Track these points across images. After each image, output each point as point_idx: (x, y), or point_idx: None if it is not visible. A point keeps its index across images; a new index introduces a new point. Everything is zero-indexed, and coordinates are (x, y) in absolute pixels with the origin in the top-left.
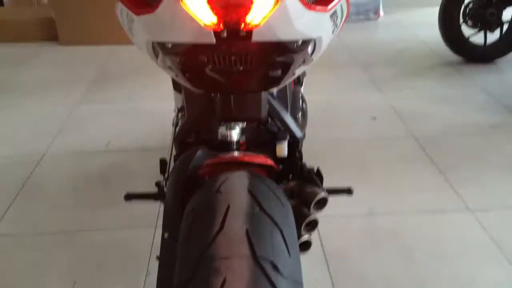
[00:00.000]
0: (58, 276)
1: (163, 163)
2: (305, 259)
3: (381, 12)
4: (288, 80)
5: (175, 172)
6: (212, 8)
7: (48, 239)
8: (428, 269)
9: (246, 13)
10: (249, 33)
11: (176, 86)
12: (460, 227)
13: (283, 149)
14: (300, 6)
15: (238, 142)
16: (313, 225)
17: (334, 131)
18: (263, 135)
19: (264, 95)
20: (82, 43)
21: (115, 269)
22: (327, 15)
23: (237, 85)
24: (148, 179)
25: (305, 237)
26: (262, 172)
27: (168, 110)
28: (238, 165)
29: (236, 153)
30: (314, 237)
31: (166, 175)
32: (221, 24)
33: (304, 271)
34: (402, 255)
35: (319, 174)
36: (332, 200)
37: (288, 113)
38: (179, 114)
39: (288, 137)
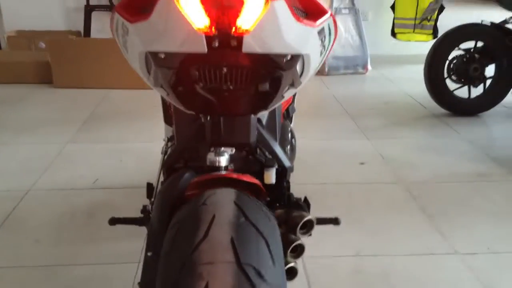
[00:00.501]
0: None
1: (150, 187)
2: None
3: (369, 67)
4: (277, 103)
5: (161, 193)
6: (205, 9)
7: (29, 272)
8: None
9: (237, 16)
10: (240, 41)
11: (167, 119)
12: (448, 269)
13: (271, 176)
14: (289, 14)
15: (226, 167)
16: (299, 251)
17: (324, 175)
18: (251, 164)
19: (253, 120)
20: (76, 86)
21: None
22: (315, 31)
23: (227, 106)
24: (133, 214)
25: (291, 264)
26: (251, 193)
27: (156, 151)
28: (225, 183)
29: (223, 172)
30: (300, 276)
31: (153, 199)
32: (213, 28)
33: None
34: None
35: (306, 201)
36: (319, 240)
37: (277, 143)
38: (169, 143)
39: (276, 165)
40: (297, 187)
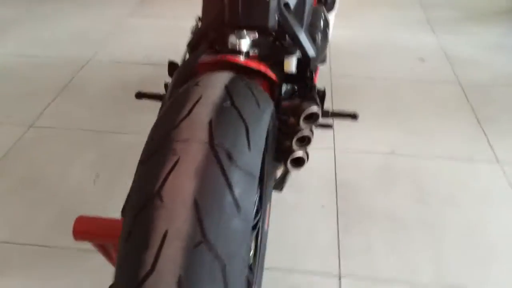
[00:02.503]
0: (84, 167)
1: (171, 65)
2: (314, 185)
3: None
4: None
5: (177, 71)
6: None
7: (81, 134)
8: (439, 214)
9: None
10: None
11: None
12: (484, 178)
13: (290, 64)
14: None
15: (247, 53)
16: (307, 141)
17: (376, 67)
18: (275, 51)
19: (273, 2)
20: None
21: (135, 167)
22: None
23: None
24: None
25: (298, 152)
26: (263, 83)
27: None
28: (235, 68)
29: (234, 56)
30: (328, 166)
31: None
32: None
33: (311, 196)
34: (415, 197)
35: (322, 93)
36: (355, 134)
37: (303, 29)
38: (198, 23)
39: (297, 53)
40: (341, 80)
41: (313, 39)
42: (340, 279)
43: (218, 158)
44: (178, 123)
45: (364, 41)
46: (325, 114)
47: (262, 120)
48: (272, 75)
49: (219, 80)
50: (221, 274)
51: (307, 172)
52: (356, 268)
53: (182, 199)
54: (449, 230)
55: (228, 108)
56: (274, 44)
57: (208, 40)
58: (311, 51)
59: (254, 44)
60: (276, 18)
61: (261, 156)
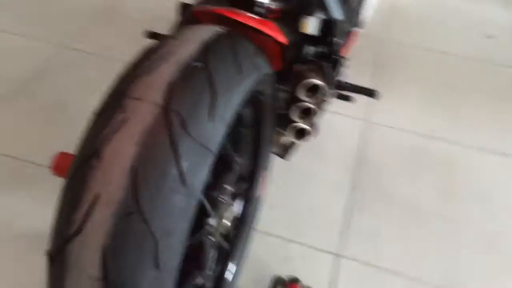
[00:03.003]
0: None
1: (182, 6)
2: (335, 155)
3: None
4: None
5: (184, 15)
6: None
7: (112, 64)
8: (464, 211)
9: None
10: None
11: None
12: None
13: (306, 24)
14: None
15: (266, 7)
16: (309, 113)
17: (435, 38)
18: (297, 8)
19: None
20: None
21: None
22: None
23: None
24: None
25: (299, 124)
26: (269, 44)
27: None
28: (239, 26)
29: (228, 10)
30: (352, 138)
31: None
32: None
33: (329, 167)
34: (442, 188)
35: (336, 62)
36: (393, 108)
37: None
38: None
39: (318, 14)
40: (391, 47)
41: (348, 3)
42: (338, 258)
43: (169, 123)
44: (136, 79)
45: (424, 6)
46: (339, 86)
47: (239, 88)
48: (278, 35)
49: (200, 36)
50: (152, 251)
51: (329, 139)
52: (359, 252)
53: (121, 163)
54: (470, 230)
55: (198, 69)
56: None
57: None
58: (337, 13)
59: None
60: None
61: (224, 128)
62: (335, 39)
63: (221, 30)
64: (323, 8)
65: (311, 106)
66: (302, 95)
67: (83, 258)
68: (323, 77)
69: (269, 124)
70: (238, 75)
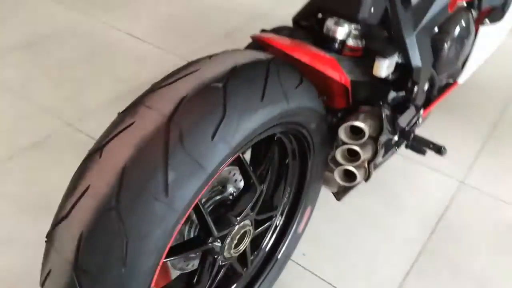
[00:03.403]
0: None
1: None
2: (412, 212)
3: None
4: None
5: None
6: None
7: None
8: None
9: None
10: None
11: None
12: None
13: (377, 66)
14: None
15: (342, 42)
16: (356, 156)
17: None
18: (374, 47)
19: None
20: None
21: None
22: None
23: None
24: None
25: (346, 165)
26: (332, 81)
27: None
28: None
29: (303, 45)
30: (439, 198)
31: None
32: None
33: (402, 223)
34: None
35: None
36: (497, 175)
37: (416, 31)
38: None
39: (393, 57)
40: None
41: (436, 48)
42: None
43: (167, 133)
44: (156, 90)
45: None
46: (404, 135)
47: (254, 114)
48: (336, 74)
49: (234, 59)
50: (121, 249)
51: (413, 192)
52: None
53: (115, 162)
54: None
55: (215, 89)
56: (373, 39)
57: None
58: (415, 60)
59: (361, 36)
60: (372, 9)
61: (228, 151)
62: (413, 87)
63: (262, 56)
64: (403, 52)
65: (355, 148)
66: (343, 136)
67: (64, 242)
68: (377, 122)
69: (317, 160)
70: (257, 102)
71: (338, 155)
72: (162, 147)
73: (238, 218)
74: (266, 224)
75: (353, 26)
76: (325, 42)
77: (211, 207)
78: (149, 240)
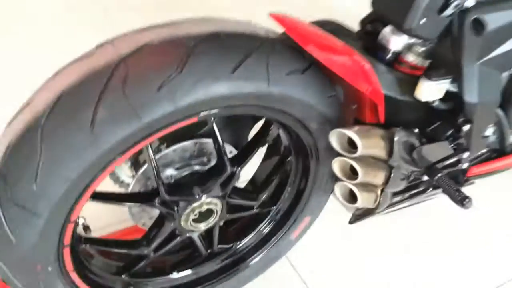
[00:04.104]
0: None
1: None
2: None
3: None
4: None
5: None
6: None
7: None
8: None
9: None
10: None
11: None
12: None
13: (420, 89)
14: None
15: (394, 53)
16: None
17: None
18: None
19: (421, 1)
20: None
21: None
22: None
23: None
24: None
25: (345, 181)
26: (361, 95)
27: None
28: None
29: (327, 40)
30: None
31: None
32: None
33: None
34: None
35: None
36: None
37: (479, 61)
38: None
39: (438, 80)
40: None
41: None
42: None
43: (112, 73)
44: (133, 34)
45: None
46: (430, 174)
47: (216, 84)
48: (355, 81)
49: (229, 25)
50: (35, 167)
51: None
52: None
53: (60, 84)
54: None
55: (182, 45)
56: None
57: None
58: (469, 93)
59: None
60: (424, 20)
61: (170, 109)
62: (462, 125)
63: (262, 32)
64: (458, 80)
65: (350, 162)
66: (334, 143)
67: (1, 150)
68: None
69: (322, 169)
70: (225, 72)
71: (335, 165)
72: (102, 83)
73: (200, 192)
74: (244, 214)
75: (413, 39)
76: (377, 49)
77: (186, 173)
78: (62, 166)
